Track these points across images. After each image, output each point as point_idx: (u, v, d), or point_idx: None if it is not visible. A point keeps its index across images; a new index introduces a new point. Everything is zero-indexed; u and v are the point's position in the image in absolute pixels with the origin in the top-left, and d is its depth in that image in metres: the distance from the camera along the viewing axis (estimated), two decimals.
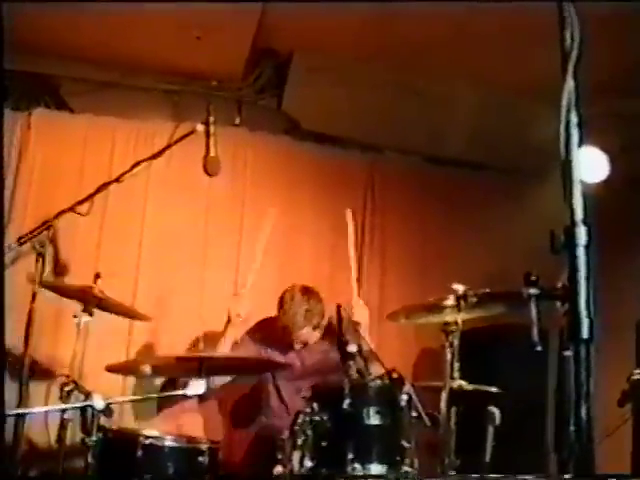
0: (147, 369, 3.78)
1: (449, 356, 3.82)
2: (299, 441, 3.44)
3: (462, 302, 3.75)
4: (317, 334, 4.50)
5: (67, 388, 3.87)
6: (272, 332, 4.54)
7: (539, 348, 1.54)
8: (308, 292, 4.44)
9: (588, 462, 1.41)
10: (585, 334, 1.44)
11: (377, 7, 4.55)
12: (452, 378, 3.87)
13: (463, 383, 3.96)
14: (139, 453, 3.60)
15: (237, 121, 5.35)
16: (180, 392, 3.53)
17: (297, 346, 4.49)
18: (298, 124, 5.52)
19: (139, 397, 3.74)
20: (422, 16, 4.60)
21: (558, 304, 1.54)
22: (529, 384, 4.91)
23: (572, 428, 1.42)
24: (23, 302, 3.74)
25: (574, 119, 1.54)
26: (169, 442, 3.73)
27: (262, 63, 5.36)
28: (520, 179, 5.52)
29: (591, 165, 5.17)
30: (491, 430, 4.04)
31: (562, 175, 1.52)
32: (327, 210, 5.40)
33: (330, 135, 5.57)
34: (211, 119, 3.87)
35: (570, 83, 1.54)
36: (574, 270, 1.48)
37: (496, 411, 4.03)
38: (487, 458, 4.02)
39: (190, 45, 4.88)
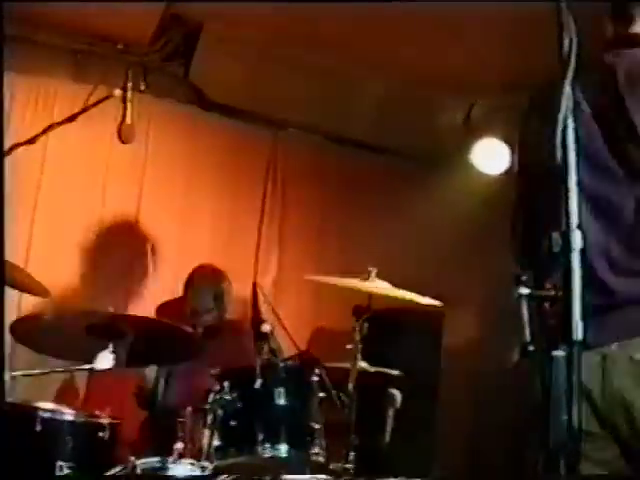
0: (48, 317, 3.61)
1: (358, 338, 3.86)
2: (208, 419, 3.43)
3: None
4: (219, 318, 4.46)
5: None
6: (177, 314, 4.47)
7: (531, 348, 1.57)
8: (218, 274, 4.39)
9: (577, 460, 1.46)
10: (579, 336, 1.48)
11: None
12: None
13: (365, 365, 4.02)
14: (37, 427, 3.49)
15: (142, 87, 5.18)
16: (87, 366, 3.46)
17: (199, 329, 4.42)
18: (203, 94, 5.42)
19: (44, 370, 3.60)
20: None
21: (546, 305, 1.57)
22: (424, 367, 5.02)
23: (564, 426, 1.46)
24: None
25: (571, 125, 1.56)
26: (69, 417, 3.62)
27: (171, 30, 5.20)
28: (421, 166, 5.62)
29: (493, 156, 5.31)
30: (391, 412, 4.12)
31: (557, 179, 1.54)
32: (228, 182, 5.39)
33: (235, 107, 5.49)
34: (129, 85, 3.74)
35: (568, 89, 1.56)
36: (569, 273, 1.51)
37: (397, 393, 4.10)
38: (387, 439, 4.10)
39: (101, 5, 4.70)
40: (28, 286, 4.08)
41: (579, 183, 1.55)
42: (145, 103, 5.19)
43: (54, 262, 4.92)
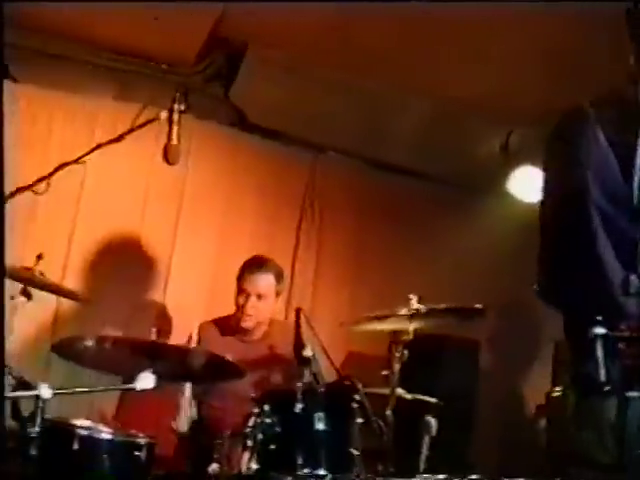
0: (89, 345, 3.62)
1: (397, 366, 3.83)
2: (248, 443, 3.41)
3: (416, 313, 3.79)
4: (270, 306, 4.47)
5: None
6: (226, 327, 4.50)
7: (607, 388, 1.55)
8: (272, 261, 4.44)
9: None
10: None
11: (337, 9, 4.53)
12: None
13: (402, 392, 4.00)
14: (75, 445, 3.49)
15: (184, 108, 5.21)
16: (128, 386, 3.46)
17: (246, 323, 4.43)
18: (244, 116, 5.44)
19: (86, 389, 3.60)
20: (379, 21, 4.62)
21: (621, 345, 1.55)
22: (460, 395, 4.99)
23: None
24: None
25: None
26: (106, 435, 3.62)
27: (215, 51, 5.24)
28: (460, 193, 5.60)
29: (530, 184, 5.29)
30: (427, 439, 4.09)
31: (633, 219, 1.53)
32: (266, 204, 5.41)
33: (275, 130, 5.51)
34: (176, 107, 3.76)
35: None
36: None
37: (433, 421, 4.08)
38: (422, 466, 4.07)
39: (146, 25, 4.74)
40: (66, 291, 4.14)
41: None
42: (187, 123, 5.25)
43: (91, 278, 4.94)
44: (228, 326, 4.50)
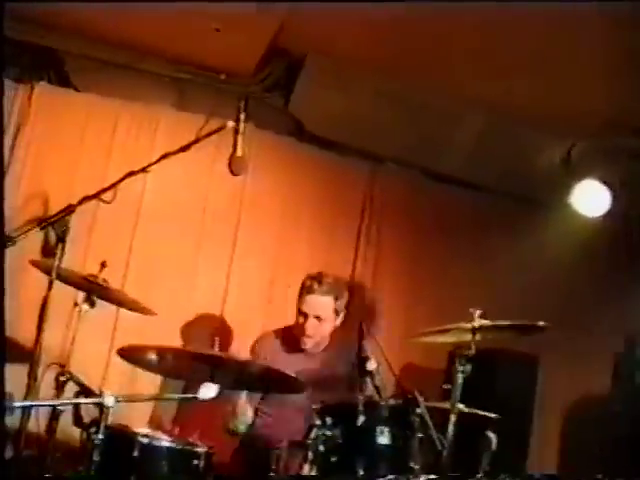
0: (153, 356, 3.64)
1: (459, 380, 3.79)
2: (310, 454, 3.40)
3: (479, 327, 3.75)
4: (330, 325, 4.37)
5: (62, 378, 3.75)
6: (286, 338, 4.46)
7: None
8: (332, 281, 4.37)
9: None
10: None
11: (394, 19, 4.52)
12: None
13: (461, 406, 3.95)
14: (136, 452, 3.50)
15: (242, 117, 5.23)
16: (191, 395, 3.47)
17: (306, 345, 4.36)
18: (302, 126, 5.46)
19: (148, 396, 3.62)
20: (436, 32, 4.60)
21: None
22: (518, 411, 4.94)
23: None
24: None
25: None
26: (166, 443, 3.63)
27: (274, 61, 5.27)
28: (519, 206, 5.55)
29: (592, 198, 5.23)
30: (487, 455, 4.03)
31: None
32: (325, 214, 5.42)
33: (333, 140, 5.52)
34: (242, 117, 3.77)
35: None
36: None
37: (493, 436, 4.02)
38: None
39: (206, 36, 4.77)
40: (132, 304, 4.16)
41: None
42: (246, 133, 5.29)
43: (150, 286, 4.98)
44: (288, 338, 4.44)
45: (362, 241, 5.52)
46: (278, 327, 4.51)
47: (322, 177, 5.48)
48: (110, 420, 3.40)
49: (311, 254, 5.31)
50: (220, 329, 5.01)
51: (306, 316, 4.30)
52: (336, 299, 4.32)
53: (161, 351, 3.61)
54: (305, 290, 4.30)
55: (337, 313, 4.36)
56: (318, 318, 4.30)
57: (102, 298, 3.99)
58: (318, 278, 4.31)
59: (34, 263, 3.97)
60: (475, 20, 4.39)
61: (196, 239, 5.16)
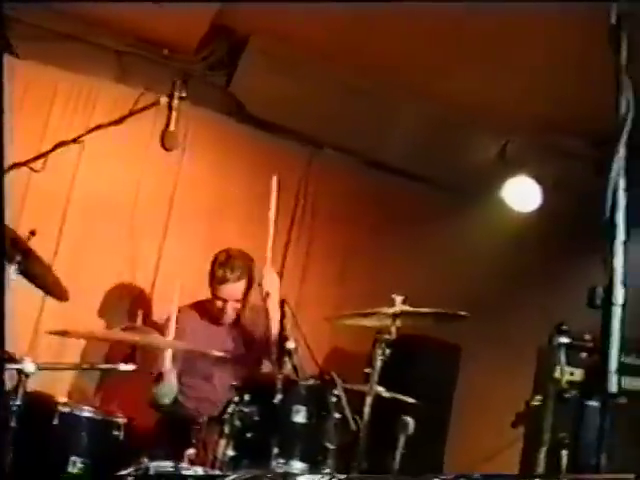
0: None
1: (378, 364, 3.87)
2: (225, 429, 3.45)
3: (400, 313, 3.83)
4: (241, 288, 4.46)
5: None
6: (204, 312, 4.55)
7: (568, 395, 1.60)
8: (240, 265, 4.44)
9: None
10: (613, 389, 1.50)
11: (341, 9, 4.55)
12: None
13: (382, 390, 4.03)
14: (55, 421, 3.53)
15: (184, 94, 5.23)
16: (112, 365, 3.51)
17: (226, 318, 4.46)
18: (243, 107, 5.47)
19: (70, 365, 3.63)
20: (383, 23, 4.65)
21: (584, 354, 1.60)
22: (437, 398, 5.03)
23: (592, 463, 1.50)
24: None
25: (622, 185, 1.59)
26: (87, 413, 3.67)
27: (217, 40, 5.26)
28: (456, 197, 5.65)
29: (524, 194, 5.34)
30: (403, 438, 4.12)
31: (604, 235, 1.57)
32: (259, 195, 5.38)
33: (273, 123, 5.53)
34: (176, 93, 3.78)
35: (622, 151, 1.59)
36: (607, 327, 1.53)
37: (410, 421, 4.10)
38: (396, 465, 4.10)
39: (150, 10, 4.75)
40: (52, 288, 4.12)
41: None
42: (185, 110, 5.27)
43: (81, 258, 4.98)
44: (205, 310, 4.55)
45: (296, 225, 5.57)
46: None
47: (259, 158, 5.49)
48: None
49: (243, 233, 5.30)
50: (140, 302, 5.05)
51: (225, 301, 4.44)
52: (249, 279, 4.44)
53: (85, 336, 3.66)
54: (217, 281, 4.41)
55: (251, 286, 4.47)
56: (236, 300, 4.45)
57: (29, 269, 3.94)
58: (228, 265, 4.40)
59: None
60: (418, 11, 4.44)
61: (129, 213, 5.15)
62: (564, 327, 1.60)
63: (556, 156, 5.42)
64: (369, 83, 5.33)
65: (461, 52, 4.83)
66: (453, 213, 5.50)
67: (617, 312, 1.54)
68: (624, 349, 1.51)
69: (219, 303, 4.45)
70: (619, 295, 1.55)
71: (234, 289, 4.41)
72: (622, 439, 4.79)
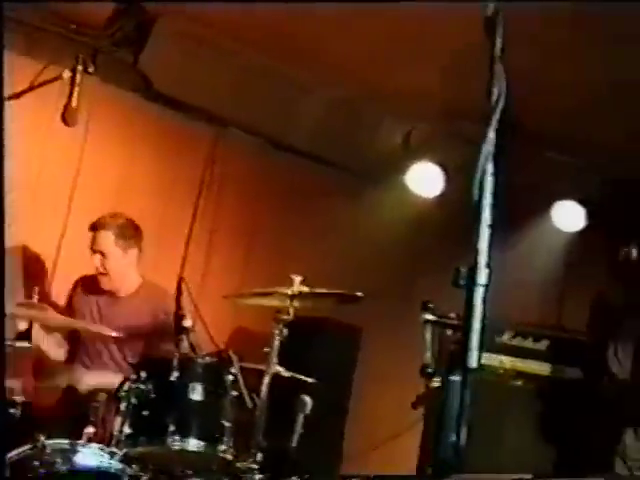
0: None
1: (277, 343, 3.92)
2: (122, 407, 3.46)
3: (297, 294, 3.88)
4: (115, 261, 4.46)
5: None
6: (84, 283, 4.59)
7: (430, 370, 1.68)
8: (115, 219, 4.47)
9: (460, 464, 1.57)
10: (474, 364, 1.58)
11: None
12: None
13: (281, 369, 4.08)
14: None
15: (91, 69, 5.16)
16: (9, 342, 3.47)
17: (102, 284, 4.47)
18: (150, 84, 5.43)
19: None
20: (296, 6, 4.66)
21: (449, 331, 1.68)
22: (337, 379, 5.11)
23: (452, 438, 1.57)
24: None
25: (490, 169, 1.67)
26: None
27: (126, 16, 5.20)
28: (358, 181, 5.72)
29: (427, 180, 5.45)
30: (301, 417, 4.18)
31: (472, 217, 1.65)
32: (164, 174, 5.44)
33: (180, 101, 5.51)
34: (79, 67, 3.74)
35: (491, 135, 1.66)
36: (470, 306, 1.61)
37: (308, 400, 4.17)
38: (294, 443, 4.16)
39: None
40: None
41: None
42: (90, 85, 5.21)
43: None
44: (91, 280, 4.56)
45: (201, 203, 5.58)
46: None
47: (165, 135, 5.49)
48: None
49: (149, 208, 5.30)
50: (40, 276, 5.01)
51: (94, 253, 4.44)
52: (119, 236, 4.42)
53: None
54: (90, 228, 4.45)
55: (123, 249, 4.45)
56: (101, 253, 4.41)
57: None
58: (102, 217, 4.46)
59: None
60: None
61: (33, 189, 5.07)
62: (430, 305, 1.67)
63: (460, 142, 5.52)
64: (277, 65, 5.36)
65: (369, 39, 4.88)
66: (358, 196, 5.59)
67: (479, 292, 1.62)
68: (486, 328, 1.59)
69: (94, 259, 4.44)
70: (482, 276, 1.63)
71: (99, 237, 4.40)
72: (517, 420, 5.00)
